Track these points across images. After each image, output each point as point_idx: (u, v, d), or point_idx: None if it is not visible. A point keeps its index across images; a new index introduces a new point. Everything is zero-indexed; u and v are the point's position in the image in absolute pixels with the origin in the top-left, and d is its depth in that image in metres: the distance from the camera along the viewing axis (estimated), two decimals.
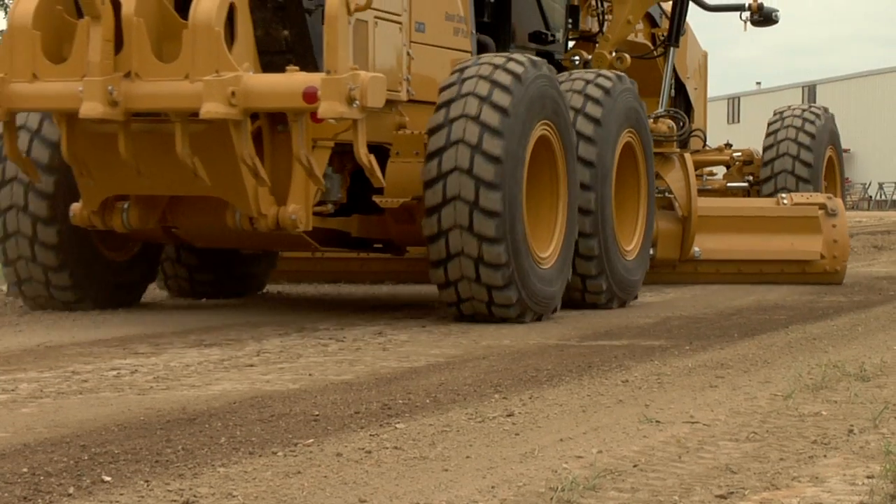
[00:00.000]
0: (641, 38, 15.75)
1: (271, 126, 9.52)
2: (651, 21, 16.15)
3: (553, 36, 12.90)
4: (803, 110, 17.44)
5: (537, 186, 10.60)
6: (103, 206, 9.96)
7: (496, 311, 10.13)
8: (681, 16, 15.38)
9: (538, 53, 12.25)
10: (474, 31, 11.52)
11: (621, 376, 7.39)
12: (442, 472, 4.98)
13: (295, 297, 12.59)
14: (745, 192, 17.50)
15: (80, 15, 9.36)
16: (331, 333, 9.40)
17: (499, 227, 9.83)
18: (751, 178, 17.67)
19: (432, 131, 10.04)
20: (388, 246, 11.32)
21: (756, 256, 14.30)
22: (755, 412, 6.23)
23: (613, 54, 14.07)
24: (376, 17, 9.94)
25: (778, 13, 17.08)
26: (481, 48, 11.65)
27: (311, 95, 8.81)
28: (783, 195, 14.89)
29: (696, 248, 14.27)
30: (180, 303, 11.80)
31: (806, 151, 16.91)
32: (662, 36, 15.80)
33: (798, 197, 14.79)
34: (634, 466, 5.06)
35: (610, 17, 14.41)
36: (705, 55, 18.32)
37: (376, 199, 10.38)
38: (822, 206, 14.44)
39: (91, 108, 9.00)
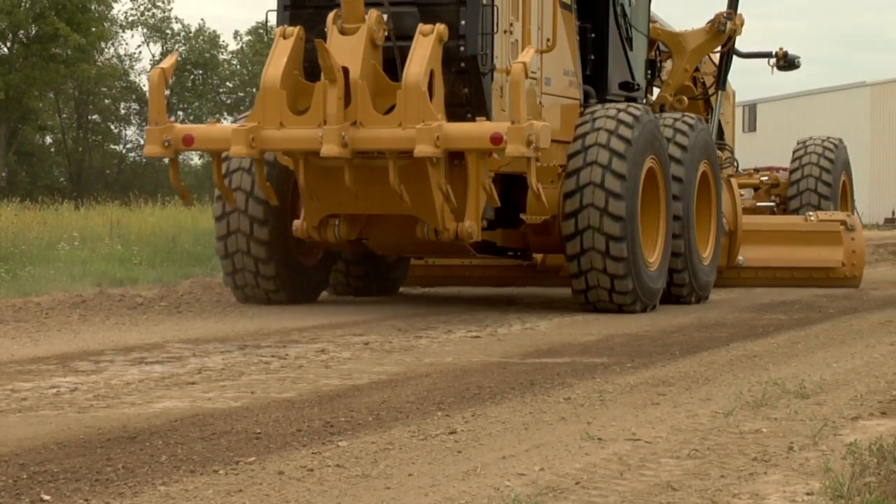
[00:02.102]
0: (686, 81, 18.13)
1: (450, 161, 11.95)
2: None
3: (638, 85, 15.60)
4: (823, 142, 20.58)
5: (646, 208, 13.33)
6: (320, 223, 12.60)
7: (616, 299, 12.93)
8: (727, 64, 18.21)
9: (625, 99, 15.01)
10: (581, 83, 14.28)
11: (563, 394, 7.41)
12: (384, 490, 4.98)
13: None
14: (772, 211, 20.41)
15: (308, 77, 12.11)
16: (273, 351, 9.37)
17: (623, 232, 12.75)
18: (776, 199, 20.74)
19: (569, 170, 12.98)
20: (521, 253, 14.42)
21: (789, 264, 17.07)
22: (696, 429, 6.26)
23: (673, 97, 17.10)
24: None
25: (800, 59, 19.63)
26: (585, 96, 14.41)
27: (497, 139, 11.53)
28: (810, 213, 17.75)
29: (740, 258, 16.89)
30: (123, 317, 11.74)
31: (825, 181, 20.12)
32: (702, 79, 18.49)
33: (822, 215, 17.62)
34: (576, 484, 5.07)
35: (664, 65, 17.31)
36: (734, 93, 20.39)
37: (523, 216, 13.31)
38: (843, 223, 17.27)
39: (329, 149, 11.64)
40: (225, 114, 71.14)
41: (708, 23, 17.54)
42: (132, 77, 68.80)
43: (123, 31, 68.82)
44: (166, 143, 12.23)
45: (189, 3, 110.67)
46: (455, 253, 13.81)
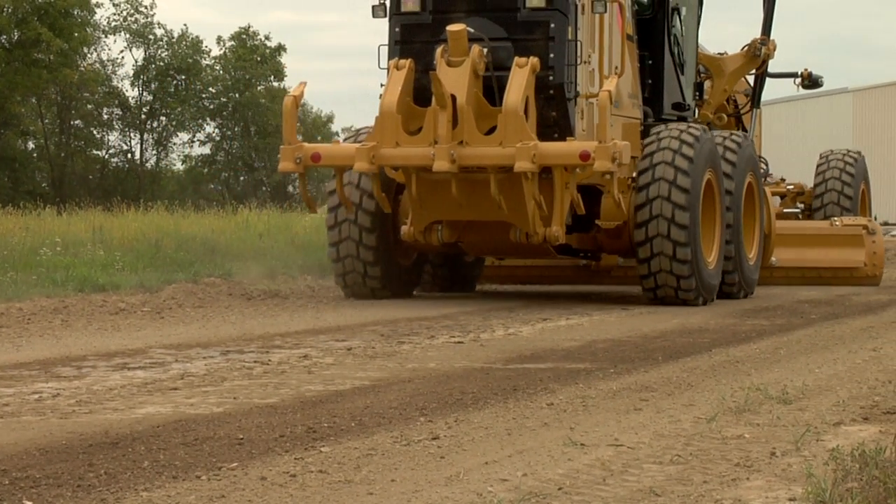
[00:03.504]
0: (723, 101, 20.08)
1: (540, 174, 13.80)
2: None
3: (688, 106, 17.44)
4: (844, 155, 22.55)
5: (704, 214, 15.10)
6: (426, 228, 14.62)
7: (681, 295, 14.80)
8: (761, 85, 19.99)
9: (677, 118, 16.86)
10: (641, 104, 16.18)
11: (546, 399, 7.41)
12: (367, 496, 4.97)
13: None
14: (797, 217, 22.20)
15: (417, 102, 14.09)
16: (256, 356, 9.36)
17: (688, 237, 14.62)
18: (801, 206, 22.71)
19: (640, 177, 14.82)
20: (591, 254, 16.53)
21: (816, 264, 18.96)
22: (679, 435, 6.26)
23: (714, 114, 18.94)
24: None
25: (822, 78, 21.55)
26: (644, 116, 16.27)
27: (585, 156, 13.52)
28: (835, 218, 19.84)
29: (773, 258, 18.44)
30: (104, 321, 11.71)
31: (847, 187, 22.14)
32: (733, 98, 20.12)
33: (846, 220, 19.64)
34: (559, 489, 5.07)
35: (706, 84, 19.12)
36: (760, 110, 21.85)
37: (599, 222, 15.26)
38: (865, 227, 19.16)
39: (441, 165, 13.63)
40: (208, 119, 71.04)
41: (744, 47, 19.36)
42: (115, 82, 68.55)
43: (106, 37, 68.55)
44: (297, 160, 14.30)
45: (172, 8, 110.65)
46: (538, 254, 15.87)
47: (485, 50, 13.98)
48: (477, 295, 16.69)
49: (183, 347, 9.92)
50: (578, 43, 14.28)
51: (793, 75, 21.54)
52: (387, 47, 14.60)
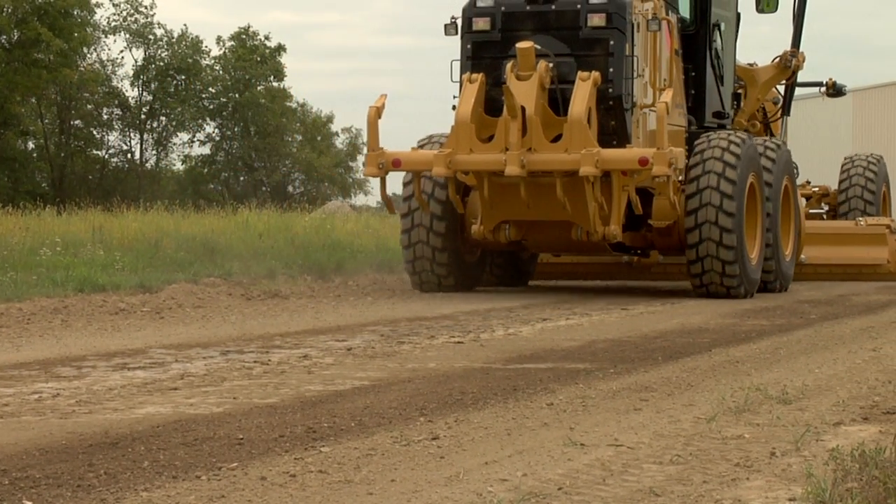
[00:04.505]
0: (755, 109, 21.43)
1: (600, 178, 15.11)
2: None
3: (727, 114, 18.71)
4: (867, 158, 23.77)
5: (747, 214, 16.27)
6: (495, 228, 16.00)
7: (725, 282, 16.03)
8: (791, 94, 21.14)
9: (717, 126, 18.10)
10: (686, 113, 17.49)
11: (546, 399, 7.41)
12: (367, 496, 4.97)
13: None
14: (822, 217, 23.44)
15: (488, 113, 15.49)
16: (256, 356, 9.36)
17: (734, 239, 15.87)
18: (826, 206, 23.98)
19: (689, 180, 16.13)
20: (642, 251, 17.89)
21: (842, 261, 20.27)
22: (679, 435, 6.26)
23: (748, 122, 20.01)
24: (652, 110, 15.85)
25: (846, 87, 22.96)
26: (687, 124, 17.57)
27: (644, 161, 14.85)
28: (860, 218, 21.26)
29: (803, 256, 19.60)
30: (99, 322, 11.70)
31: (868, 192, 23.35)
32: (762, 106, 21.02)
33: (870, 220, 20.97)
34: (559, 489, 5.07)
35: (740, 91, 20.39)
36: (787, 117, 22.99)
37: (651, 221, 16.49)
38: (888, 227, 20.43)
39: (512, 170, 14.98)
40: (208, 119, 71.02)
41: (776, 59, 20.41)
42: (115, 82, 68.54)
43: (106, 37, 68.57)
44: (380, 166, 15.60)
45: (172, 8, 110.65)
46: (596, 251, 17.43)
47: (550, 65, 15.28)
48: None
49: (183, 347, 9.92)
50: (635, 58, 15.60)
51: (818, 84, 22.60)
52: (459, 62, 15.98)
